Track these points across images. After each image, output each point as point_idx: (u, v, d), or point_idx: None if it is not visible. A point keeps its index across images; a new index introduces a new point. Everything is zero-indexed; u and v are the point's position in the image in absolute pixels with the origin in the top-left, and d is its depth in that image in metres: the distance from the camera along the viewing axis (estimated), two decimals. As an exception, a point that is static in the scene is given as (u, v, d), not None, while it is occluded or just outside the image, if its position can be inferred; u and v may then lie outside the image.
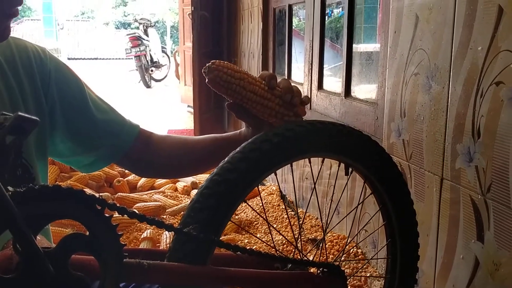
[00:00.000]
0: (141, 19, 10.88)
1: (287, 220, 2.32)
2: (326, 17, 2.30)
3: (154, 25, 11.03)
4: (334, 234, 1.97)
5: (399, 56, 1.48)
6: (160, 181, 3.17)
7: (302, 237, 2.05)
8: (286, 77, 2.84)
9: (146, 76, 10.00)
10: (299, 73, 2.72)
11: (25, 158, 0.92)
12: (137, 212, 0.73)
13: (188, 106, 6.73)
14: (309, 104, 2.36)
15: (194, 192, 2.95)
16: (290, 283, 0.95)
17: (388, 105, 1.56)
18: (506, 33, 1.03)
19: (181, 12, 6.58)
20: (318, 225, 2.15)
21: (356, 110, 1.87)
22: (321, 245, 1.95)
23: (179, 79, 10.10)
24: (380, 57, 1.68)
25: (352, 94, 1.99)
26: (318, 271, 1.02)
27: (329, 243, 1.92)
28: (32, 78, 0.94)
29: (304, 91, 2.39)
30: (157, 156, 1.07)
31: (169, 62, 10.99)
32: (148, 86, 10.07)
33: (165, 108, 7.32)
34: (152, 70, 10.19)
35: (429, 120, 1.32)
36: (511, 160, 1.01)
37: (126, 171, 3.24)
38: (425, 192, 1.35)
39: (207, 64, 0.87)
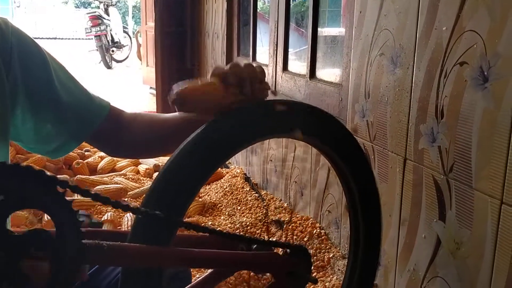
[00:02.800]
0: (102, -3, 10.56)
1: (251, 203, 2.31)
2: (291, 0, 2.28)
3: (115, 4, 10.72)
4: (297, 216, 1.98)
5: (364, 36, 1.47)
6: (121, 163, 3.10)
7: (266, 219, 2.05)
8: (251, 58, 2.81)
9: (106, 57, 9.74)
10: (264, 55, 2.69)
11: None
12: (100, 194, 0.69)
13: (151, 88, 6.60)
14: (273, 86, 2.34)
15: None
16: (254, 263, 0.94)
17: (352, 87, 1.55)
18: (471, 12, 1.03)
19: (143, -9, 6.41)
20: (282, 207, 2.15)
21: (320, 91, 1.86)
22: (285, 226, 1.95)
23: (141, 60, 9.90)
24: (345, 38, 1.67)
25: (317, 76, 1.98)
26: (283, 252, 1.01)
27: (292, 224, 1.93)
28: None
29: (269, 72, 2.37)
30: (128, 136, 1.03)
31: (131, 42, 10.75)
32: (108, 67, 9.82)
33: (126, 90, 7.16)
34: (113, 51, 9.94)
35: (393, 101, 1.32)
36: (473, 140, 1.02)
37: (86, 153, 3.15)
38: (388, 172, 1.36)
39: (172, 96, 0.83)
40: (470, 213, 1.04)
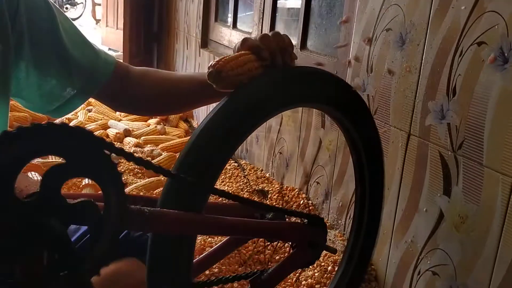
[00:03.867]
0: (54, -50, 9.99)
1: (231, 172, 2.30)
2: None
3: (68, -42, 10.19)
4: (281, 186, 1.99)
5: (369, 10, 1.47)
6: (90, 127, 3.00)
7: (248, 188, 2.05)
8: (232, 25, 2.76)
9: (60, 14, 9.29)
10: (246, 22, 2.65)
11: None
12: (142, 158, 0.67)
13: (110, 49, 6.37)
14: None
15: (128, 140, 2.83)
16: (280, 232, 0.94)
17: (353, 60, 1.56)
18: (494, -6, 1.05)
19: None
20: (264, 177, 2.15)
21: (312, 63, 1.86)
22: (268, 195, 1.96)
23: (95, 19, 9.53)
24: (344, 11, 1.66)
25: (309, 47, 1.97)
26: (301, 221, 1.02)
27: (277, 194, 1.94)
28: None
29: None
30: (136, 92, 1.02)
31: (85, 0, 10.30)
32: (61, 25, 9.38)
33: (83, 50, 6.86)
34: (66, 8, 9.51)
35: (399, 77, 1.34)
36: (488, 119, 1.06)
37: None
38: (389, 147, 1.38)
39: (211, 70, 0.79)
40: (478, 189, 1.09)
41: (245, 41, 0.87)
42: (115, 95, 1.01)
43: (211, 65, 0.81)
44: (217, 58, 0.82)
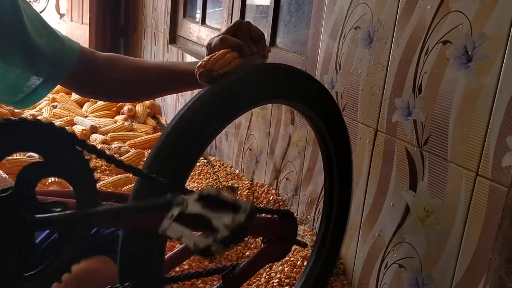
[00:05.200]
0: None
1: (200, 168, 2.30)
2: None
3: (31, -50, 9.90)
4: (251, 182, 2.00)
5: (338, 8, 1.49)
6: (56, 123, 2.93)
7: (218, 185, 2.05)
8: (200, 21, 2.74)
9: (22, 8, 9.03)
10: (214, 18, 2.64)
11: None
12: (113, 156, 0.67)
13: (75, 44, 6.23)
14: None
15: (94, 136, 2.79)
16: (255, 227, 0.95)
17: (322, 57, 1.58)
18: (459, -6, 1.08)
19: None
20: (234, 173, 2.16)
21: (282, 60, 1.87)
22: (238, 191, 1.97)
23: (59, 13, 9.30)
24: (313, 9, 1.68)
25: (278, 44, 1.98)
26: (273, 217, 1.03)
27: (247, 191, 1.95)
28: None
29: (222, 37, 2.33)
30: (105, 80, 1.01)
31: (48, -6, 10.03)
32: (24, 19, 9.12)
33: (47, 45, 6.69)
34: (29, 1, 9.23)
35: (367, 74, 1.37)
36: (452, 116, 1.09)
37: (16, 110, 2.95)
38: (357, 143, 1.41)
39: (202, 70, 0.83)
40: (443, 183, 1.12)
41: (224, 39, 0.89)
42: (82, 81, 1.00)
43: (200, 65, 0.84)
44: (205, 59, 0.85)
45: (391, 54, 1.27)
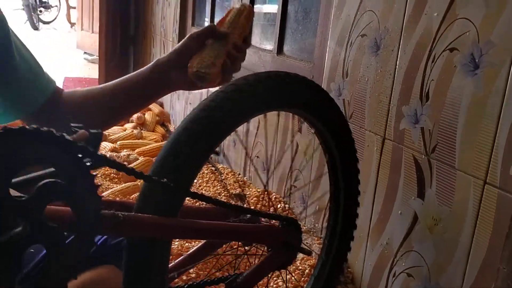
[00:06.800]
0: (28, -48, 9.86)
1: (208, 176, 2.30)
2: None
3: (43, -40, 10.05)
4: (259, 190, 2.00)
5: (344, 16, 1.49)
6: (65, 131, 2.96)
7: (226, 192, 2.05)
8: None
9: (33, 17, 9.17)
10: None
11: None
12: (116, 160, 0.67)
13: (85, 52, 6.30)
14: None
15: (104, 144, 2.80)
16: (256, 235, 0.95)
17: (329, 65, 1.58)
18: (465, 1, 1.07)
19: (79, -51, 6.04)
20: (242, 181, 2.16)
21: (289, 68, 1.87)
22: (246, 199, 1.96)
23: (70, 23, 9.40)
24: (320, 17, 1.68)
25: (285, 52, 1.98)
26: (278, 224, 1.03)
27: (254, 198, 1.95)
28: None
29: (230, 45, 2.34)
30: (66, 113, 0.93)
31: (59, 3, 10.16)
32: (35, 28, 9.26)
33: (58, 54, 6.77)
34: (40, 11, 9.37)
35: (374, 82, 1.36)
36: (460, 123, 1.08)
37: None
38: (364, 151, 1.40)
39: (197, 71, 0.86)
40: (451, 191, 1.11)
41: (214, 52, 0.89)
42: (47, 119, 0.91)
43: (193, 65, 0.84)
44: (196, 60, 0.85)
45: (398, 62, 1.27)
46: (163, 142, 2.84)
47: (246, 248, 1.05)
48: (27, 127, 0.55)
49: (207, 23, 2.84)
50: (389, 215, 1.31)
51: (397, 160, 1.28)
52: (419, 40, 1.20)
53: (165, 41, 3.44)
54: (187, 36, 0.92)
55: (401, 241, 1.27)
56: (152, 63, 0.93)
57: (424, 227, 1.19)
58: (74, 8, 7.43)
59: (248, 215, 1.00)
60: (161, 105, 3.48)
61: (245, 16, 0.93)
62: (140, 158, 2.55)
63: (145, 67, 0.94)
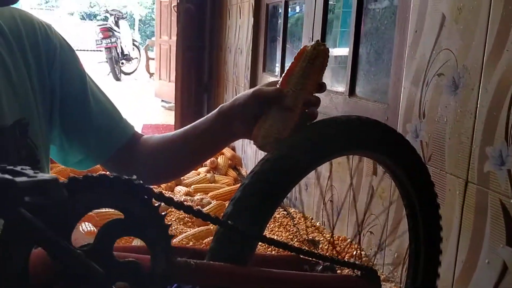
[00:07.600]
0: (112, 10, 10.65)
1: (280, 220, 2.27)
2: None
3: (125, 17, 10.80)
4: (334, 236, 1.94)
5: (419, 56, 1.45)
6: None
7: (298, 238, 2.01)
8: (279, 75, 2.80)
9: (116, 69, 9.77)
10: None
11: (30, 137, 0.83)
12: (191, 206, 0.66)
13: (162, 100, 6.59)
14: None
15: (178, 188, 2.87)
16: (333, 285, 0.90)
17: (404, 106, 1.53)
18: (552, 35, 1.01)
19: (158, 5, 6.44)
20: (314, 226, 2.11)
21: (362, 110, 1.84)
22: (319, 246, 1.91)
23: (149, 73, 9.94)
24: (393, 57, 1.65)
25: (358, 93, 1.96)
26: (354, 273, 0.98)
27: (328, 245, 1.89)
28: (37, 53, 0.84)
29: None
30: (141, 158, 0.96)
31: (139, 55, 10.80)
32: (117, 79, 9.85)
33: (137, 102, 7.14)
34: (122, 63, 9.98)
35: (453, 122, 1.30)
36: (552, 165, 1.00)
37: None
38: (446, 195, 1.33)
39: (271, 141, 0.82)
40: (546, 239, 1.01)
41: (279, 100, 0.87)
42: (125, 163, 0.95)
43: (257, 138, 0.82)
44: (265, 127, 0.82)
45: (479, 101, 1.21)
46: (235, 186, 2.87)
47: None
48: (107, 174, 0.56)
49: (277, 68, 2.89)
50: (475, 264, 1.22)
51: (482, 204, 1.19)
52: (501, 78, 1.14)
53: (237, 87, 3.52)
54: (254, 89, 0.88)
55: (491, 294, 1.16)
56: (216, 110, 0.90)
57: (516, 279, 1.09)
58: (153, 59, 7.85)
59: (324, 263, 0.97)
60: (233, 149, 3.54)
61: (320, 61, 0.83)
62: (213, 201, 2.57)
63: (210, 114, 0.93)
